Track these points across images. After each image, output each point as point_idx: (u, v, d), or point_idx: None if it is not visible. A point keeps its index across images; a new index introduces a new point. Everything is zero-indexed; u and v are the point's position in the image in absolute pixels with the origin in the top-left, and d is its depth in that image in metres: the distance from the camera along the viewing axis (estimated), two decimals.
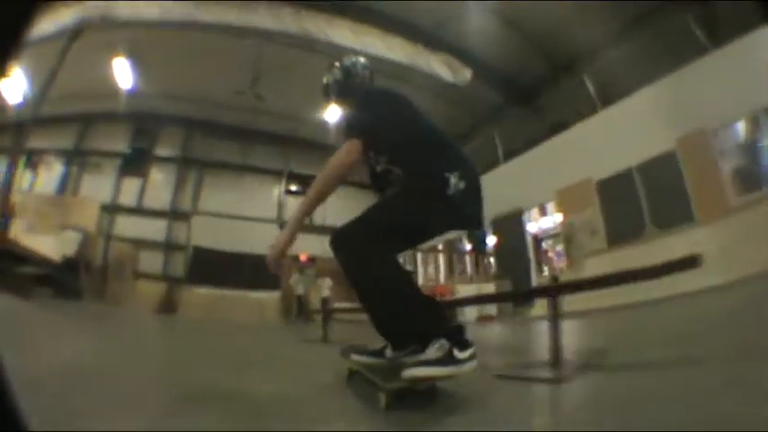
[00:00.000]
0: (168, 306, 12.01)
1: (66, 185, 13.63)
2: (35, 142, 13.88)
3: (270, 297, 12.86)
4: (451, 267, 12.50)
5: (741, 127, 7.53)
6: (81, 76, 11.31)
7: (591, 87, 10.36)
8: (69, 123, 13.65)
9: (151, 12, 9.76)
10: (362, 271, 1.83)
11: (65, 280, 11.03)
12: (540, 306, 8.19)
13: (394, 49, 9.91)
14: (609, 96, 9.85)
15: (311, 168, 13.98)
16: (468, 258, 12.05)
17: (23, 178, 13.60)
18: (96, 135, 13.84)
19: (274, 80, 11.73)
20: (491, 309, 9.32)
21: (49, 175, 13.87)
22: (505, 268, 10.65)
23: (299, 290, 12.51)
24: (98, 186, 13.29)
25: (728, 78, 7.05)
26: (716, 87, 7.24)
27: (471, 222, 2.00)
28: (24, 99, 11.88)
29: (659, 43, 8.96)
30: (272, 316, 12.86)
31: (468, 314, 9.17)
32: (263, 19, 9.68)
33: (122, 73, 11.51)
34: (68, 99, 12.74)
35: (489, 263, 11.25)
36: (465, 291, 9.56)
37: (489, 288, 9.42)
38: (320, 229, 13.85)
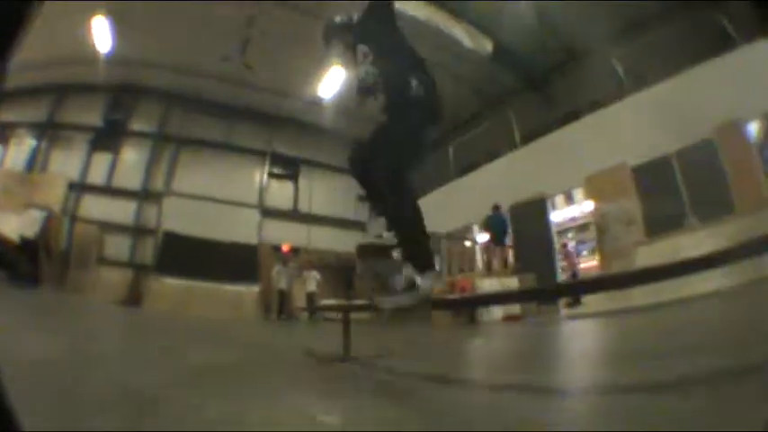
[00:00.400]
0: (133, 297, 10.76)
1: (34, 161, 12.66)
2: (6, 115, 12.96)
3: (248, 291, 11.64)
4: (473, 260, 11.24)
5: None
6: (55, 39, 10.18)
7: (620, 70, 9.89)
8: (43, 94, 12.64)
9: None
10: None
11: (20, 264, 9.84)
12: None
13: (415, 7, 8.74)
14: (640, 80, 9.27)
15: (297, 150, 12.89)
16: (484, 249, 10.78)
17: None
18: (70, 107, 12.89)
19: (267, 47, 10.78)
20: (515, 307, 8.01)
21: (20, 150, 12.97)
22: (526, 261, 9.54)
23: (281, 284, 11.26)
24: (67, 162, 12.14)
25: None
26: (750, 79, 6.93)
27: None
28: None
29: (696, 30, 8.68)
30: (249, 312, 11.61)
31: (494, 313, 8.17)
32: None
33: (101, 35, 10.32)
34: (42, 66, 11.50)
35: (509, 255, 10.04)
36: (488, 285, 8.60)
37: (512, 283, 8.33)
38: (305, 218, 12.84)
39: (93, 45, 10.75)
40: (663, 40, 8.79)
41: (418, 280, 2.10)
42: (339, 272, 11.74)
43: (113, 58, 11.54)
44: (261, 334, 7.65)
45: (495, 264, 9.81)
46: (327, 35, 2.61)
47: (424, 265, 2.12)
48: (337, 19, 2.58)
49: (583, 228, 10.28)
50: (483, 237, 11.01)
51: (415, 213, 2.17)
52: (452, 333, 7.24)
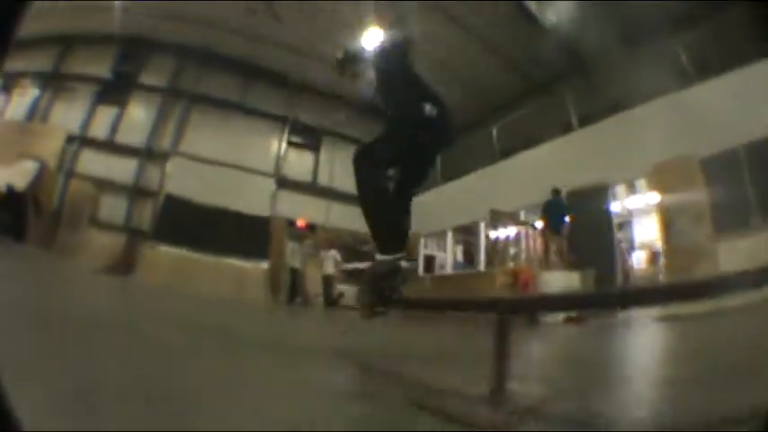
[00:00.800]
0: (124, 265, 9.47)
1: (35, 111, 11.86)
2: (10, 65, 12.03)
3: (255, 268, 10.25)
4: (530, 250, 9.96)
5: None
6: None
7: (683, 57, 8.97)
8: (50, 43, 11.85)
9: None
10: None
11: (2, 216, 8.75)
12: None
13: None
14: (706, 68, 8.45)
15: (322, 119, 11.59)
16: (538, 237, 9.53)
17: None
18: (78, 57, 12.04)
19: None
20: None
21: (22, 101, 12.22)
22: (584, 254, 8.45)
23: (295, 262, 9.85)
24: (69, 114, 11.15)
25: None
26: None
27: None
28: None
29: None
30: (255, 292, 10.21)
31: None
32: None
33: None
34: (51, 14, 10.62)
35: (564, 245, 8.69)
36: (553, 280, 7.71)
37: (573, 279, 7.52)
38: (324, 192, 11.41)
39: None
40: (734, 25, 7.58)
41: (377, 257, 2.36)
42: (357, 254, 10.30)
43: (128, 7, 10.30)
44: (273, 325, 6.04)
45: (551, 254, 8.86)
46: (342, 64, 2.84)
47: (383, 248, 2.39)
48: (351, 49, 2.87)
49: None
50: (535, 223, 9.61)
51: (374, 204, 2.45)
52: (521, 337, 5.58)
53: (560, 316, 6.70)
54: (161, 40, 11.65)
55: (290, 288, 10.25)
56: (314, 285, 10.42)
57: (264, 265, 10.63)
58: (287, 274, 10.38)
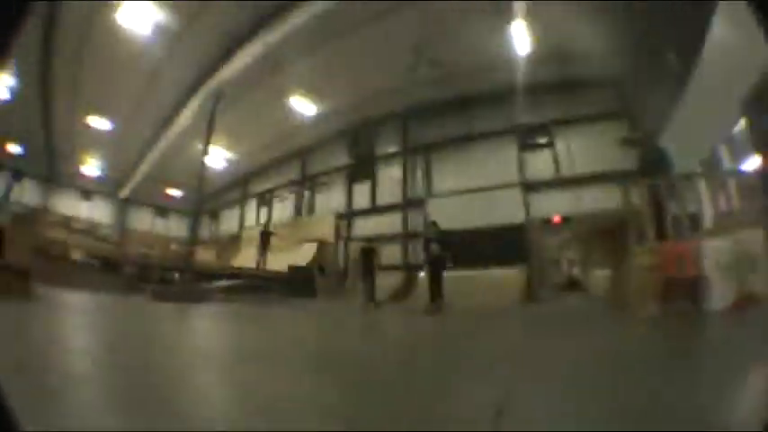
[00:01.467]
0: (406, 293, 11.48)
1: (300, 208, 16.09)
2: (260, 185, 18.30)
3: (519, 271, 11.07)
4: None
5: None
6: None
7: None
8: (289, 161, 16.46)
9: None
10: None
11: (296, 285, 11.88)
12: None
13: None
14: None
15: (541, 114, 12.06)
16: None
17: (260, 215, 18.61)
18: (315, 160, 16.01)
19: (443, 41, 11.05)
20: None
21: (283, 206, 17.33)
22: None
23: (556, 256, 10.42)
24: (330, 200, 14.39)
25: None
26: None
27: None
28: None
29: None
30: (522, 292, 10.96)
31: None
32: None
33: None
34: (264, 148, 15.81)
35: None
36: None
37: None
38: (570, 182, 11.53)
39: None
40: None
41: None
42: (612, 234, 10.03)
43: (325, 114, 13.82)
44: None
45: None
46: None
47: None
48: None
49: None
50: None
51: None
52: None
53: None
54: (376, 117, 14.20)
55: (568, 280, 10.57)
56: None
57: (528, 266, 11.29)
58: (552, 269, 10.76)
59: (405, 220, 13.33)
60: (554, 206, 11.69)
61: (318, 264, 12.62)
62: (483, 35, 10.47)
